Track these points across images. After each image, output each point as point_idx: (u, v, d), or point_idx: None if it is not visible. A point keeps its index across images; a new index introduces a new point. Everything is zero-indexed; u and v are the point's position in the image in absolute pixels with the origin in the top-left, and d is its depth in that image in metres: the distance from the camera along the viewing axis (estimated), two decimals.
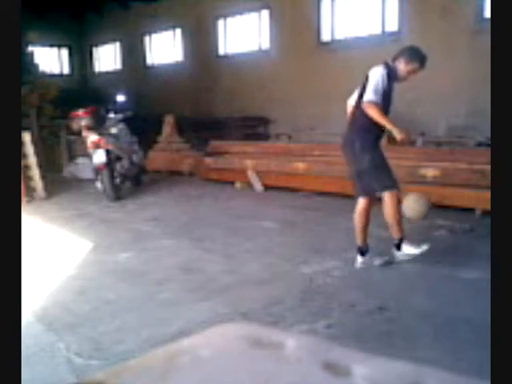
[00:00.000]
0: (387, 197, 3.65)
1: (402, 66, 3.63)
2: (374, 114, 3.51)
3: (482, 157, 5.32)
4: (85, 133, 6.87)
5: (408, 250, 3.73)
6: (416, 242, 3.77)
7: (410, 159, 6.01)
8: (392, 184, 3.67)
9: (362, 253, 3.81)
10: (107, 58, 17.82)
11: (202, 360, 0.55)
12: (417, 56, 3.63)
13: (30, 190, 6.99)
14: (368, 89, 3.54)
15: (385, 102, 3.60)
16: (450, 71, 8.60)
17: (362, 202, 3.79)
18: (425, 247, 3.71)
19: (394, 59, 3.68)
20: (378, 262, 3.80)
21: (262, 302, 3.22)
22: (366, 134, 3.65)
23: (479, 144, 7.38)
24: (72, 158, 9.49)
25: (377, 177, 3.67)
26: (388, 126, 3.52)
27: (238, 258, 4.16)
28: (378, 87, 3.52)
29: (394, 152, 6.21)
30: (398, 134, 3.50)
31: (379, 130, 3.66)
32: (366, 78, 3.61)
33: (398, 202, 3.69)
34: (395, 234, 3.76)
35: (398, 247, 3.77)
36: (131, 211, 6.24)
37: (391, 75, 3.61)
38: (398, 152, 6.32)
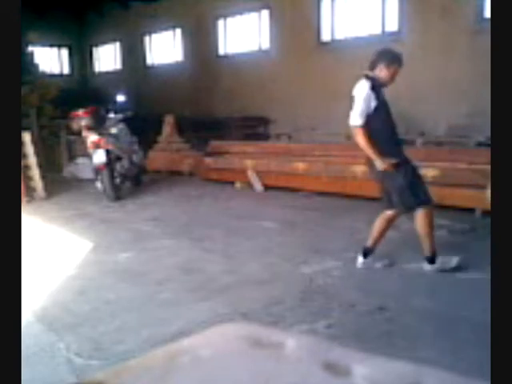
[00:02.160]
0: (421, 211, 3.55)
1: (384, 72, 3.56)
2: (360, 141, 3.50)
3: (482, 157, 5.31)
4: (85, 133, 6.88)
5: (443, 264, 3.61)
6: (448, 257, 3.67)
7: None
8: (426, 199, 3.58)
9: (366, 254, 3.78)
10: (107, 57, 17.82)
11: (202, 360, 0.55)
12: (394, 58, 3.59)
13: (30, 190, 6.99)
14: (353, 111, 3.51)
15: (380, 114, 3.51)
16: (450, 71, 8.60)
17: (390, 212, 3.71)
18: (455, 260, 3.61)
19: (373, 68, 3.59)
20: (378, 264, 3.79)
21: (262, 301, 3.22)
22: (388, 147, 3.53)
23: (479, 144, 7.38)
24: (72, 158, 9.49)
25: (411, 192, 3.54)
26: (372, 156, 3.48)
27: (237, 258, 4.16)
28: (363, 108, 3.46)
29: None
30: (380, 165, 3.46)
31: (394, 139, 3.59)
32: (352, 98, 3.56)
33: (431, 216, 3.59)
34: (426, 247, 3.63)
35: (430, 261, 3.63)
36: (131, 211, 6.24)
37: (376, 86, 3.54)
38: None
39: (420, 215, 3.57)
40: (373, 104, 3.49)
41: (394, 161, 3.47)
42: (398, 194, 3.57)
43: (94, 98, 11.79)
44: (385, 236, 3.81)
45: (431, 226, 3.61)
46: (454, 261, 3.67)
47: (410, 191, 3.53)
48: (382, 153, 3.49)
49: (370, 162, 3.70)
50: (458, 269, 3.63)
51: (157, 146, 9.22)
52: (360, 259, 3.79)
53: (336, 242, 4.54)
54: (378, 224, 3.74)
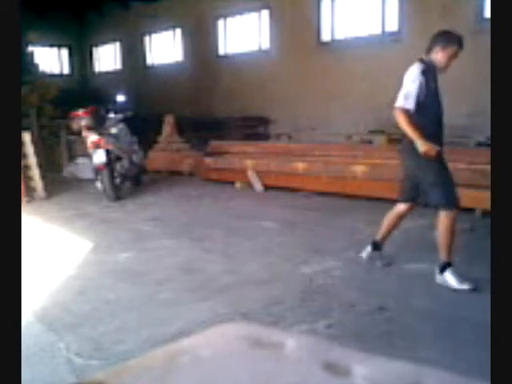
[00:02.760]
0: (444, 215, 3.35)
1: (440, 55, 3.41)
2: (401, 121, 3.33)
3: (482, 157, 5.32)
4: (85, 133, 6.87)
5: (449, 279, 3.35)
6: (461, 277, 3.35)
7: None
8: (453, 201, 3.38)
9: (376, 247, 3.77)
10: (107, 58, 17.83)
11: (202, 360, 0.55)
12: (452, 38, 3.44)
13: (30, 190, 6.99)
14: (400, 93, 3.36)
15: (429, 100, 3.35)
16: (450, 71, 8.56)
17: (403, 206, 3.65)
18: (466, 286, 3.29)
19: (429, 51, 3.45)
20: (379, 263, 3.80)
21: (261, 301, 3.22)
22: (431, 138, 3.32)
23: (479, 144, 7.38)
24: (72, 158, 9.49)
25: (441, 189, 3.37)
26: (413, 135, 3.30)
27: (237, 258, 4.16)
28: (410, 91, 3.31)
29: (393, 152, 6.22)
30: (421, 147, 3.27)
31: (436, 130, 3.43)
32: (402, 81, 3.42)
33: (454, 223, 3.36)
34: (442, 256, 3.42)
35: (442, 270, 3.41)
36: (131, 211, 6.24)
37: (429, 70, 3.38)
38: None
39: (444, 217, 3.36)
40: (422, 89, 3.31)
41: (437, 147, 3.29)
42: (433, 187, 3.39)
43: (94, 97, 11.79)
44: (391, 233, 3.81)
45: (454, 232, 3.39)
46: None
47: (445, 187, 3.38)
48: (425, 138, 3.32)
49: (402, 154, 3.59)
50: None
51: (157, 146, 9.21)
52: (368, 249, 3.80)
53: (336, 241, 4.54)
54: (389, 219, 3.72)
